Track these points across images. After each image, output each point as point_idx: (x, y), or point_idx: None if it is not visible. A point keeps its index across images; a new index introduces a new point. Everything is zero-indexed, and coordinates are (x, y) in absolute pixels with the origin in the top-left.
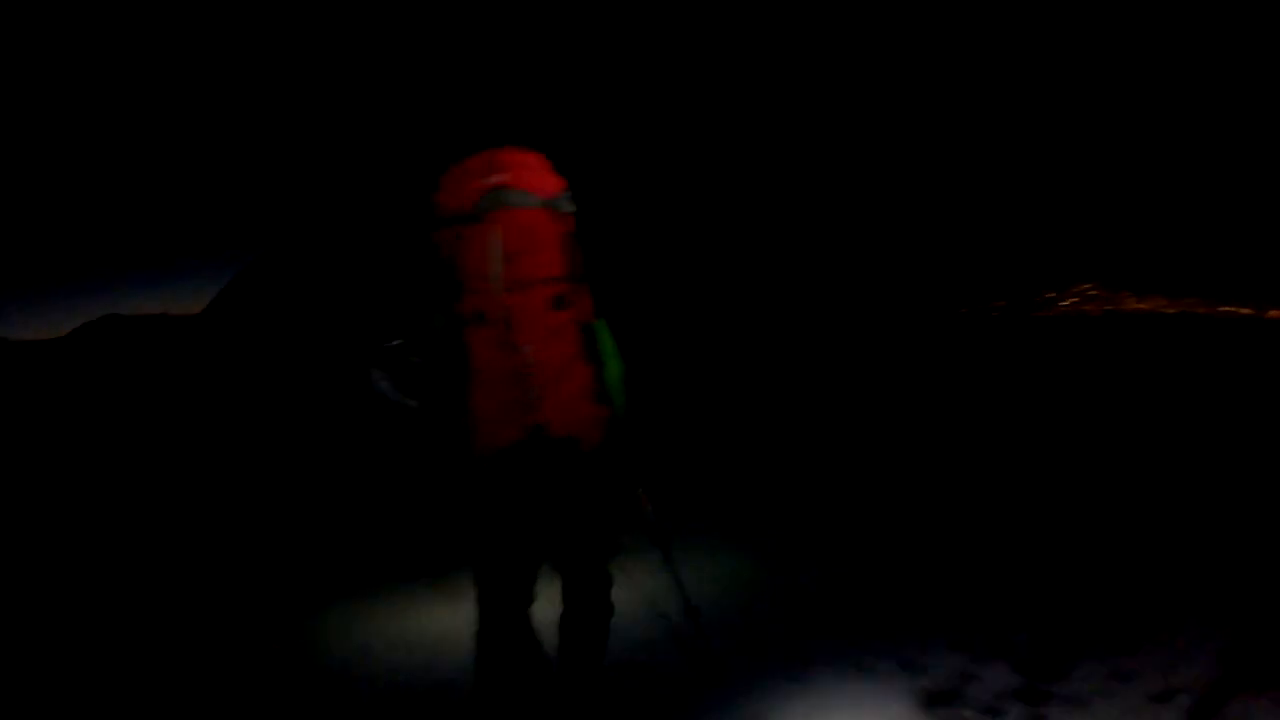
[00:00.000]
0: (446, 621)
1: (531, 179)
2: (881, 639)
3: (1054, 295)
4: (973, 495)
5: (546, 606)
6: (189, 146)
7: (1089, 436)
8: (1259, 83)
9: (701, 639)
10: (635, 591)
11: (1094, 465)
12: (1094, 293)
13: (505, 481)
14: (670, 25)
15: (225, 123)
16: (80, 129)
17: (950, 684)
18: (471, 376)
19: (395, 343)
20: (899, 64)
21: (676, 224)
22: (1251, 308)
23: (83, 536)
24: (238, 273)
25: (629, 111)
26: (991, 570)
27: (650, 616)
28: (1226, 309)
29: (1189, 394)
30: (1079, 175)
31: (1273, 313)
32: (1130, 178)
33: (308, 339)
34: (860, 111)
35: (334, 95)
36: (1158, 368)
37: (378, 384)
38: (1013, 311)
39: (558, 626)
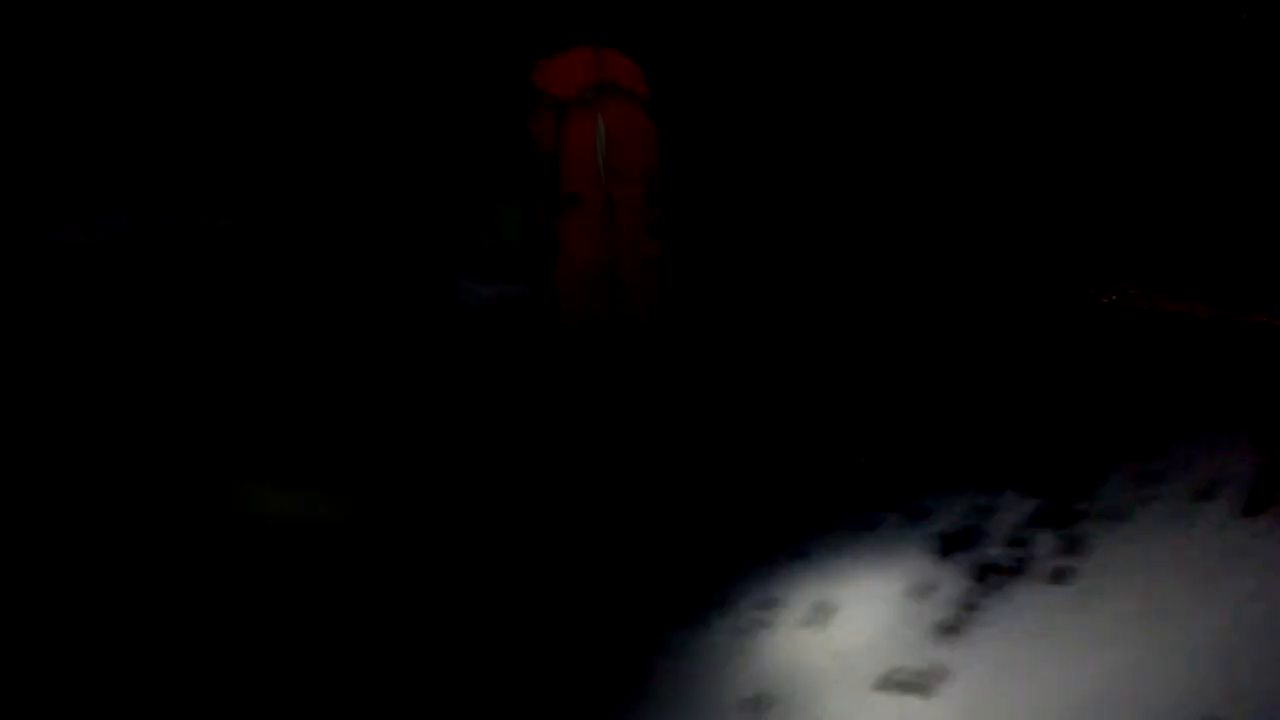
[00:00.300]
0: None
1: (630, 79)
2: (875, 497)
3: (1094, 291)
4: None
5: None
6: None
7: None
8: None
9: None
10: None
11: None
12: (1133, 292)
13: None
14: None
15: None
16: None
17: (965, 523)
18: (559, 258)
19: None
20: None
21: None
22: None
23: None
24: None
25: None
26: (976, 402)
27: None
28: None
29: None
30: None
31: None
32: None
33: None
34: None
35: None
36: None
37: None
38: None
39: None
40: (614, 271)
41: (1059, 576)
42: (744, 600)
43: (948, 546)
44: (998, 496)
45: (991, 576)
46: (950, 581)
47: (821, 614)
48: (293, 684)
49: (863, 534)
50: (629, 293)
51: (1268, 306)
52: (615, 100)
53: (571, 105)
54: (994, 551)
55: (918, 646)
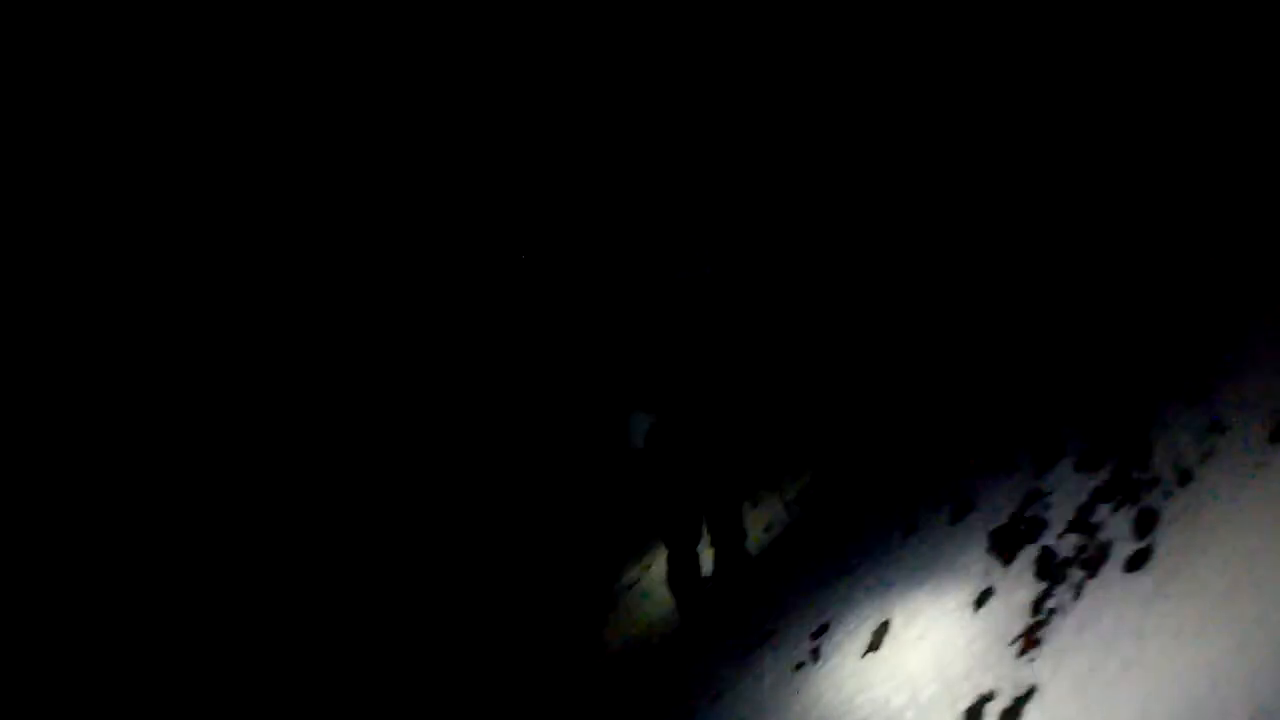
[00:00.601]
0: None
1: None
2: (913, 490)
3: None
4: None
5: None
6: None
7: None
8: None
9: None
10: None
11: None
12: None
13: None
14: None
15: None
16: None
17: (1020, 512)
18: None
19: None
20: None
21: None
22: None
23: None
24: None
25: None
26: (1005, 369)
27: None
28: None
29: None
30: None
31: None
32: None
33: None
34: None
35: None
36: None
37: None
38: None
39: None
40: None
41: (1134, 563)
42: (794, 629)
43: (1006, 542)
44: (1048, 475)
45: (1061, 573)
46: (1016, 584)
47: (879, 637)
48: None
49: (908, 537)
50: None
51: None
52: None
53: None
54: (1058, 542)
55: (995, 665)
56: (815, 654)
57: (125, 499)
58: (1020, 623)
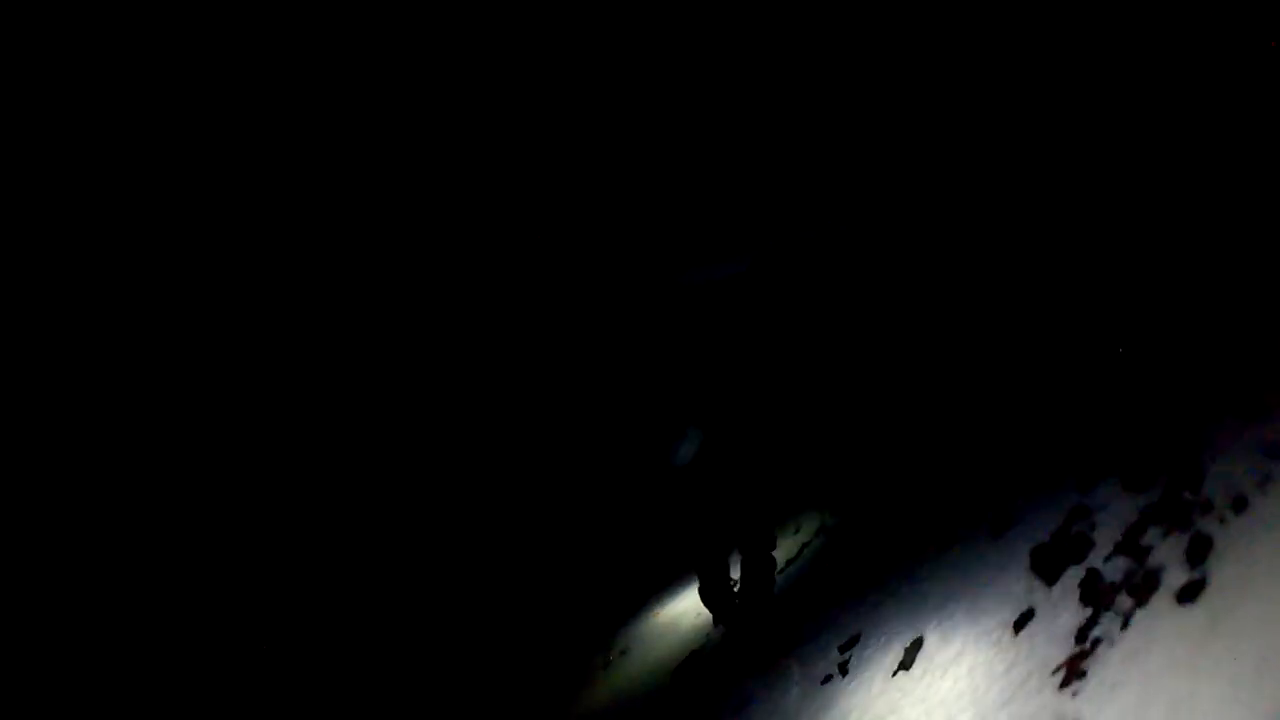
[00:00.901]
0: None
1: None
2: (953, 503)
3: None
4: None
5: None
6: None
7: None
8: None
9: None
10: None
11: None
12: None
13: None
14: None
15: None
16: None
17: (1065, 530)
18: None
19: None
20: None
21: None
22: None
23: None
24: None
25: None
26: (1053, 381)
27: None
28: None
29: None
30: None
31: None
32: None
33: None
34: None
35: None
36: None
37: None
38: None
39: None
40: None
41: (1187, 595)
42: (822, 638)
43: (1049, 561)
44: (1095, 492)
45: (1108, 599)
46: (1060, 607)
47: (911, 655)
48: None
49: (945, 550)
50: None
51: None
52: None
53: None
54: (1105, 566)
55: (1035, 695)
56: (844, 669)
57: (125, 499)
58: (1063, 650)
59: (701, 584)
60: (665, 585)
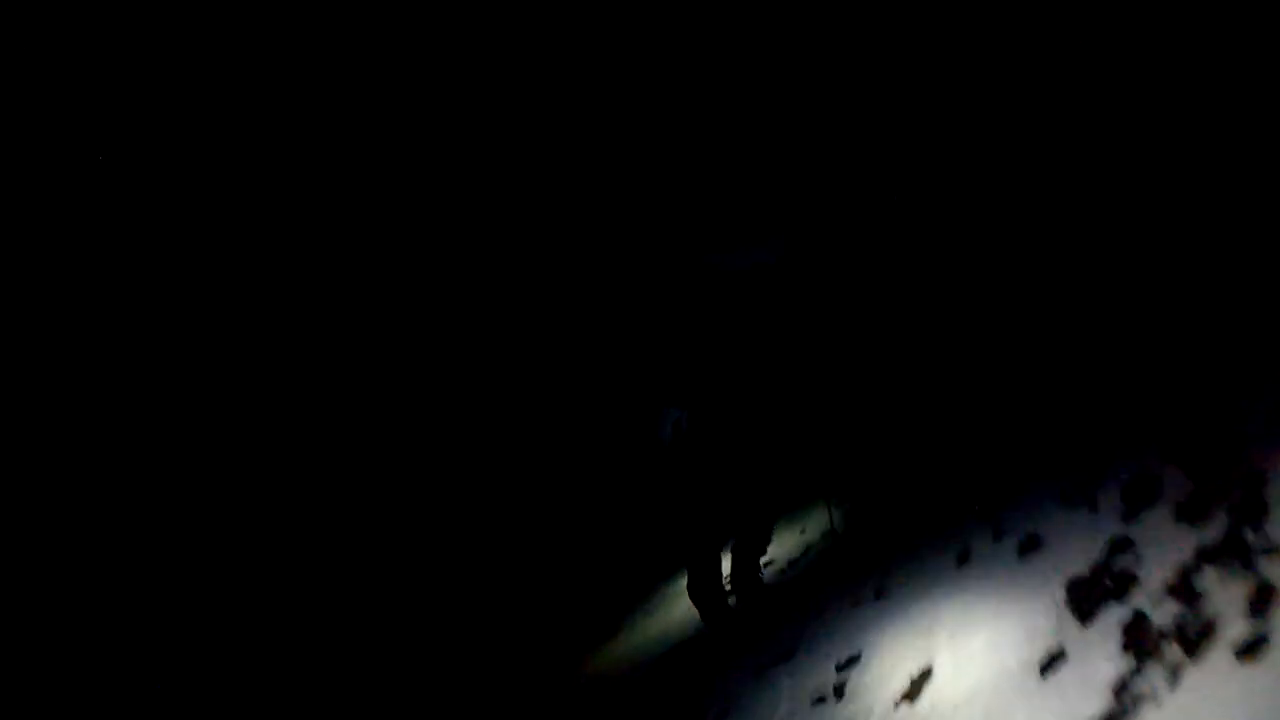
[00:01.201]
0: None
1: None
2: (969, 523)
3: None
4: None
5: None
6: None
7: None
8: None
9: None
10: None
11: None
12: None
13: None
14: None
15: None
16: None
17: (1102, 560)
18: None
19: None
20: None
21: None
22: None
23: None
24: None
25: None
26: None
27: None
28: None
29: None
30: None
31: None
32: None
33: None
34: None
35: None
36: None
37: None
38: None
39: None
40: None
41: (1247, 650)
42: (818, 652)
43: (1086, 596)
44: (1140, 519)
45: (1155, 649)
46: (1097, 652)
47: (918, 686)
48: None
49: (963, 567)
50: None
51: None
52: None
53: None
54: (1150, 608)
55: None
56: (840, 690)
57: (125, 499)
58: (1097, 703)
59: (690, 579)
60: (666, 572)
